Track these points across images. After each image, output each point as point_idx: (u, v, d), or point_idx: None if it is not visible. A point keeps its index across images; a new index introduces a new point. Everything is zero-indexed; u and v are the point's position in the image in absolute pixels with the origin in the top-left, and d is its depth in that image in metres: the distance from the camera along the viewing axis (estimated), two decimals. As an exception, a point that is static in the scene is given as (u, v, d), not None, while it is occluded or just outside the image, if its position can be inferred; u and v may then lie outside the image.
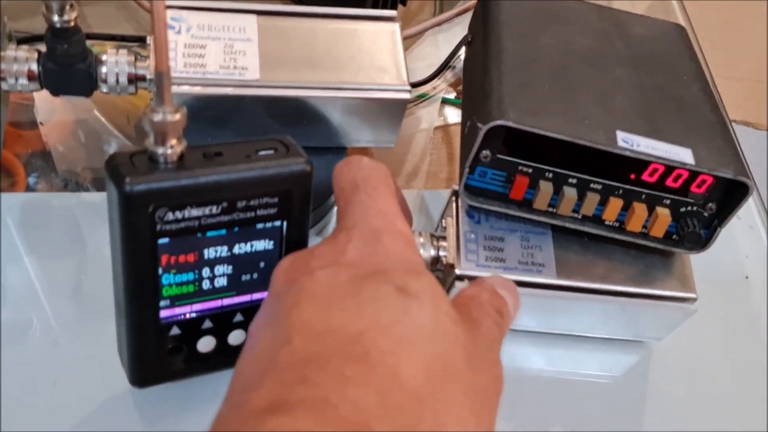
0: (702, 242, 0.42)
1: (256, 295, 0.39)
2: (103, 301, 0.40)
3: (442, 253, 0.43)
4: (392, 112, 0.47)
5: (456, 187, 0.43)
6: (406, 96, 0.46)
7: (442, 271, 0.44)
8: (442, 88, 0.64)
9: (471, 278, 0.41)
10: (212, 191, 0.35)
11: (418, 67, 0.63)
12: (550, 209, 0.43)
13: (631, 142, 0.40)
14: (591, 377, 0.46)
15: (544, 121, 0.40)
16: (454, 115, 0.62)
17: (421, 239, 0.43)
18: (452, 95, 0.63)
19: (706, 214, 0.42)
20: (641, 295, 0.43)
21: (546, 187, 0.42)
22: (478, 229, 0.43)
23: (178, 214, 0.35)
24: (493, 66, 0.44)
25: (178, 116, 0.33)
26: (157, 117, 0.33)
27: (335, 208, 0.51)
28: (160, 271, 0.36)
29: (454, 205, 0.44)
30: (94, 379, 0.42)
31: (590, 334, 0.46)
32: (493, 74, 0.43)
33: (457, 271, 0.41)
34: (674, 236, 0.43)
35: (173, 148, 0.34)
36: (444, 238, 0.43)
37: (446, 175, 0.58)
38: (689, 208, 0.42)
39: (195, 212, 0.35)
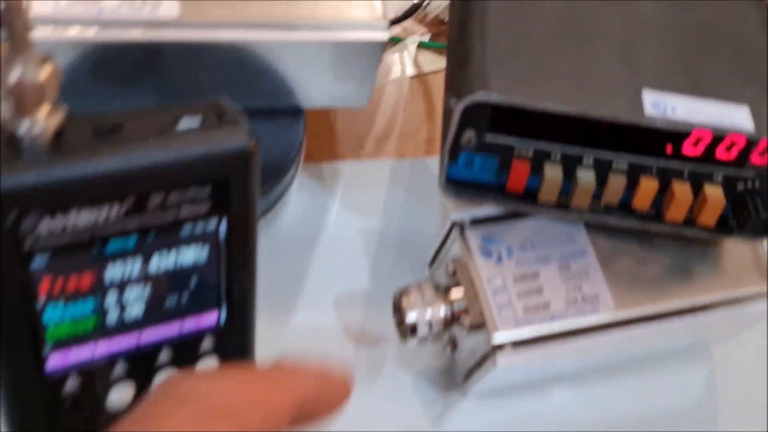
0: (768, 227, 0.33)
1: (189, 324, 0.28)
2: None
3: (459, 307, 0.33)
4: (364, 59, 0.36)
5: (455, 218, 0.34)
6: (383, 36, 0.35)
7: (453, 341, 0.35)
8: (417, 29, 0.53)
9: (515, 345, 0.31)
10: (108, 185, 0.24)
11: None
12: (562, 200, 0.33)
13: (664, 106, 0.31)
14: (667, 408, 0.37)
15: (541, 88, 0.31)
16: (431, 61, 0.52)
17: (426, 295, 0.33)
18: (428, 37, 0.53)
19: None
20: (718, 303, 0.33)
21: (554, 173, 0.33)
22: (502, 270, 0.33)
23: (58, 222, 0.23)
24: (474, 12, 0.34)
25: (46, 70, 0.22)
26: (13, 74, 0.22)
27: (293, 188, 0.40)
28: (39, 304, 0.24)
29: (461, 242, 0.33)
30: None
31: (651, 355, 0.38)
32: (474, 24, 0.34)
33: (495, 340, 0.31)
34: (729, 222, 0.34)
35: (44, 121, 0.23)
36: (456, 286, 0.33)
37: (425, 135, 0.49)
38: (749, 184, 0.33)
39: (84, 217, 0.24)
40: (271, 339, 0.36)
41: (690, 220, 0.33)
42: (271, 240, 0.39)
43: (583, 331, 0.32)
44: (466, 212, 0.34)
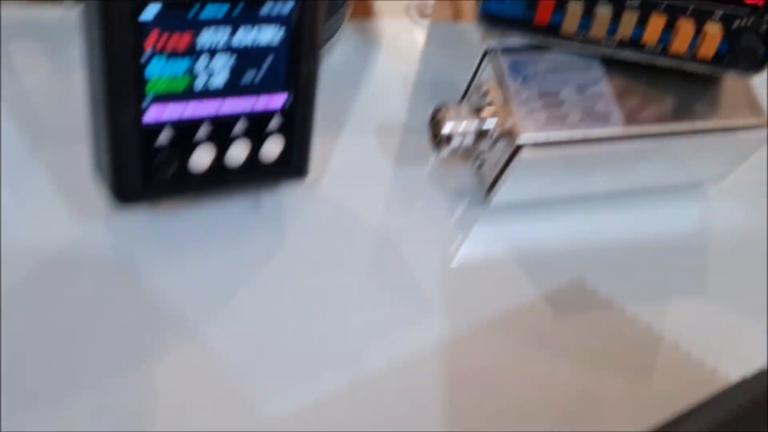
0: (759, 62, 0.38)
1: (261, 102, 0.33)
2: (66, 126, 0.35)
3: (489, 125, 0.37)
4: None
5: (488, 46, 0.38)
6: None
7: (481, 158, 0.39)
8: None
9: (536, 145, 0.36)
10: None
11: None
12: (581, 34, 0.38)
13: None
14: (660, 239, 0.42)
15: None
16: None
17: (461, 111, 0.38)
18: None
19: (765, 28, 0.37)
20: (713, 129, 0.38)
21: (575, 7, 0.37)
22: (528, 88, 0.38)
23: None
24: None
25: None
26: None
27: (340, 35, 0.44)
28: (144, 56, 0.29)
29: (491, 67, 0.38)
30: (61, 211, 0.35)
31: (649, 185, 0.42)
32: None
33: (521, 140, 0.36)
34: (725, 58, 0.38)
35: None
36: (488, 105, 0.38)
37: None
38: (744, 22, 0.37)
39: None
40: (319, 153, 0.40)
41: (691, 56, 0.38)
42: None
43: (595, 140, 0.37)
44: (497, 42, 0.39)
